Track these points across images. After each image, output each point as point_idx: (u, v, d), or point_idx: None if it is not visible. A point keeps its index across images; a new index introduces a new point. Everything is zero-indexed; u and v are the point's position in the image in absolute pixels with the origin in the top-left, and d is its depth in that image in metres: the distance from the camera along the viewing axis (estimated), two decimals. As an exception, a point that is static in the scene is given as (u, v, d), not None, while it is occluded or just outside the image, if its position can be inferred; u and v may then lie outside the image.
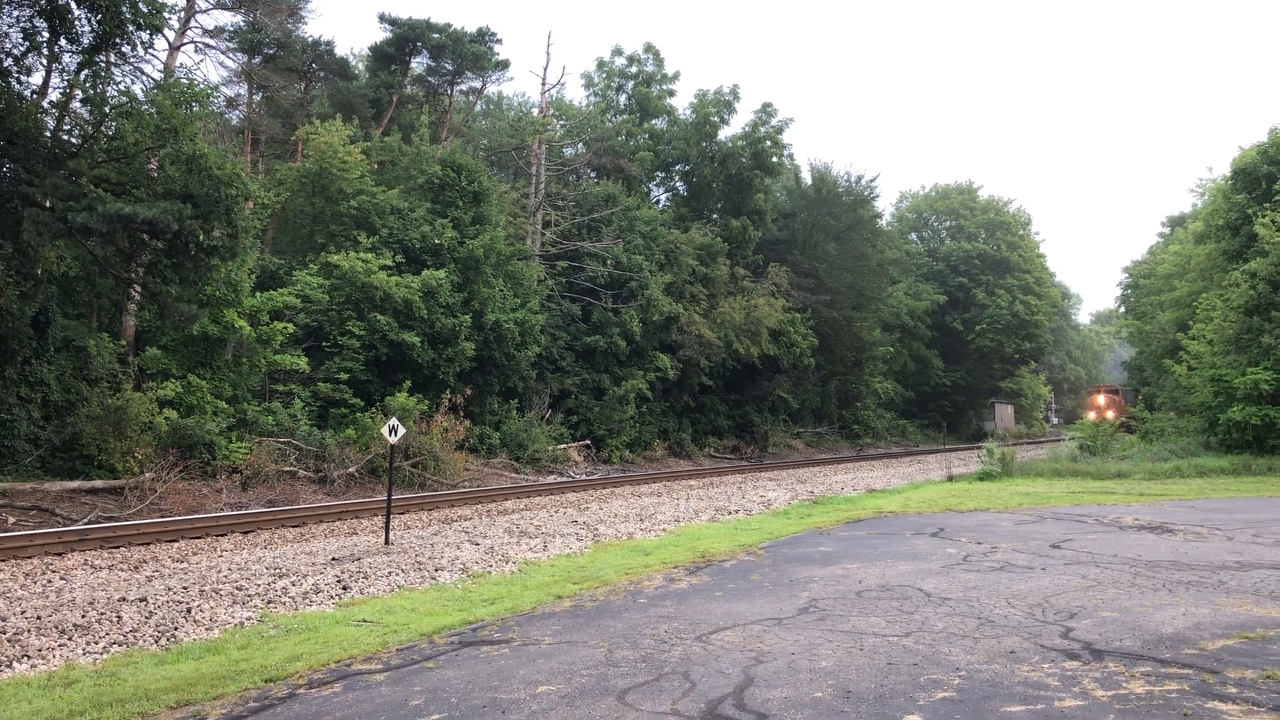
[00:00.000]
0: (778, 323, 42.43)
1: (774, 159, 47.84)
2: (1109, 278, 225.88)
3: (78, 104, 19.81)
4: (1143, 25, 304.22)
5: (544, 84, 41.18)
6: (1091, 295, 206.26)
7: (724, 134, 47.43)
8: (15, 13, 18.04)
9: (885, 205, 78.89)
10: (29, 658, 7.43)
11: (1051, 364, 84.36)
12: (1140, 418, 37.01)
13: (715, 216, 47.71)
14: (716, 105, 47.07)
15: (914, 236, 78.29)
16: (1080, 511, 16.26)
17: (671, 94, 49.39)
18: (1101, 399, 66.75)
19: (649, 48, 48.91)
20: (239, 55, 32.06)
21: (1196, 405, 30.07)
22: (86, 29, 17.90)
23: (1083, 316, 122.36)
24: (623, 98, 49.16)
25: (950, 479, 25.37)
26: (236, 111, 34.06)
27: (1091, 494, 19.85)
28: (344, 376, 25.94)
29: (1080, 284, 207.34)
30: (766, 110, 47.01)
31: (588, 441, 35.11)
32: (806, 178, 54.83)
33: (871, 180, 54.56)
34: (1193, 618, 7.67)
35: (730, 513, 18.08)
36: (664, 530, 15.34)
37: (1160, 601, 8.38)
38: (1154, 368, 44.43)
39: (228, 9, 30.02)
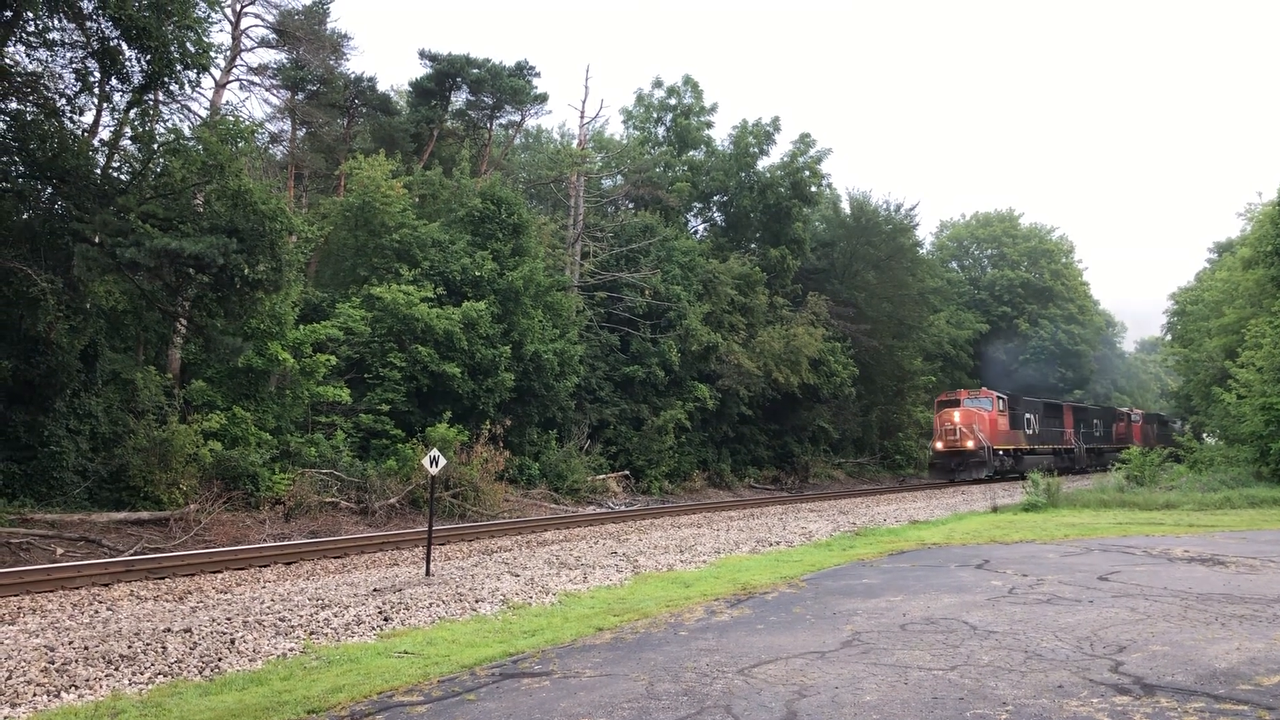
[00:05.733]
0: (817, 352, 42.23)
1: (812, 189, 47.88)
2: (1155, 305, 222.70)
3: (127, 142, 20.29)
4: (1189, 50, 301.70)
5: (583, 117, 41.64)
6: (1137, 323, 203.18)
7: (762, 164, 47.60)
8: (68, 54, 18.54)
9: (925, 233, 78.63)
10: (76, 687, 7.51)
11: (1096, 393, 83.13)
12: (1188, 447, 36.34)
13: (754, 246, 47.74)
14: (756, 136, 47.26)
15: (955, 265, 77.83)
16: (1128, 543, 15.97)
17: (709, 125, 49.72)
18: (957, 415, 42.56)
19: (688, 80, 49.30)
20: (283, 92, 32.68)
21: (1247, 434, 29.49)
22: (136, 69, 18.32)
23: (1128, 344, 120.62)
24: (661, 130, 49.49)
25: (995, 510, 25.00)
26: (280, 147, 34.65)
27: (1139, 525, 19.49)
28: (385, 408, 26.16)
29: (1125, 312, 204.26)
30: (805, 140, 47.13)
31: (626, 472, 35.06)
32: (845, 207, 54.71)
33: (911, 209, 54.32)
34: (1247, 652, 7.49)
35: (771, 544, 17.93)
36: (704, 562, 15.24)
37: (1213, 635, 8.19)
38: (1202, 396, 43.57)
39: (272, 47, 30.67)
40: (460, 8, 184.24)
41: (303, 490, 21.65)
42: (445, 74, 37.92)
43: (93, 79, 18.83)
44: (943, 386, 56.41)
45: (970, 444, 41.34)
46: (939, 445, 43.11)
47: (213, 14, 20.01)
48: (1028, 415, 47.61)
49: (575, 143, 44.11)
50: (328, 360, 24.43)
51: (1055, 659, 7.42)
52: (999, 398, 44.14)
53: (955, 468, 42.29)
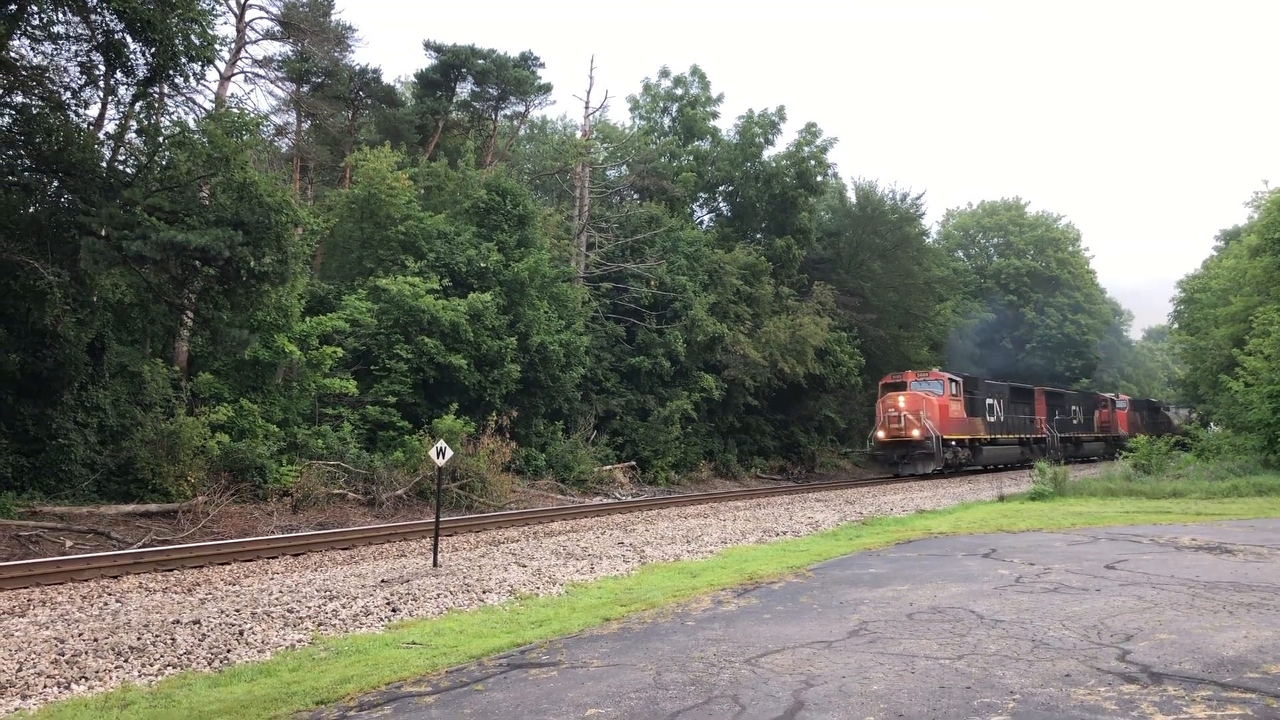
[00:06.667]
0: (823, 342, 42.16)
1: (818, 178, 47.75)
2: (1162, 293, 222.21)
3: (132, 135, 20.29)
4: (1196, 39, 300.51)
5: (587, 107, 41.60)
6: (1144, 311, 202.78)
7: (768, 154, 47.50)
8: (73, 47, 18.54)
9: (931, 223, 78.34)
10: (86, 679, 7.54)
11: (1103, 382, 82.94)
12: (1194, 435, 36.23)
13: (759, 236, 47.64)
14: (762, 126, 47.17)
15: (961, 254, 77.64)
16: (1135, 531, 15.94)
17: (715, 115, 49.56)
18: (902, 399, 37.15)
19: (695, 70, 49.15)
20: (288, 84, 32.68)
21: (1254, 422, 29.40)
22: (141, 62, 18.30)
23: (1134, 333, 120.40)
24: (667, 120, 49.40)
25: (1001, 499, 25.00)
26: (286, 139, 34.69)
27: (1146, 514, 19.46)
28: (392, 399, 26.21)
29: (1132, 300, 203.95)
30: (811, 130, 47.00)
31: (633, 463, 35.09)
32: (851, 196, 54.49)
33: (917, 198, 54.02)
34: (1255, 640, 7.47)
35: (778, 534, 17.94)
36: (711, 552, 15.25)
37: (1220, 623, 8.18)
38: (1209, 384, 43.36)
39: (277, 39, 30.66)
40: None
41: (310, 482, 21.70)
42: (450, 65, 37.89)
43: (97, 72, 18.82)
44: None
45: (916, 433, 36.25)
46: (880, 434, 37.93)
47: (217, 6, 20.05)
48: (989, 400, 42.38)
49: (580, 133, 44.07)
50: (334, 352, 24.47)
51: (1062, 648, 7.41)
52: (952, 380, 38.95)
53: (898, 460, 37.83)
